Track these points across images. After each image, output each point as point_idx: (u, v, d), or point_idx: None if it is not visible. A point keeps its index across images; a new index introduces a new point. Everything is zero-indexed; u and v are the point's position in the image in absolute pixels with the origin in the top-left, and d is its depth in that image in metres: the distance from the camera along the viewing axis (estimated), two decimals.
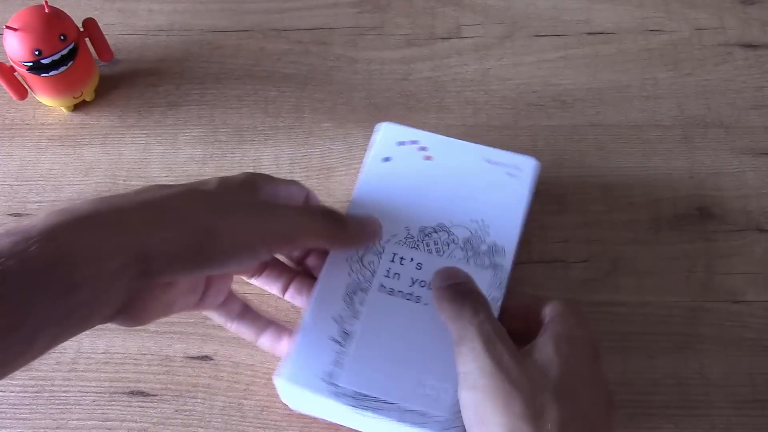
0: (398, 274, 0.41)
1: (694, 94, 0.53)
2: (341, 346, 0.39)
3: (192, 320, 0.46)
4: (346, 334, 0.39)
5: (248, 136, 0.53)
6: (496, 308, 0.40)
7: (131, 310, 0.33)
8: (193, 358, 0.45)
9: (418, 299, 0.40)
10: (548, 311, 0.38)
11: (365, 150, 0.48)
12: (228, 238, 0.34)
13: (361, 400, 0.37)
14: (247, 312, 0.42)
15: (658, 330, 0.45)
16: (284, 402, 0.42)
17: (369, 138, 0.50)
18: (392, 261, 0.42)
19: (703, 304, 0.46)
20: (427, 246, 0.42)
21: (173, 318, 0.46)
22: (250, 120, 0.54)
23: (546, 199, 0.46)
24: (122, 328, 0.45)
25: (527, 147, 0.51)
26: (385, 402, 0.37)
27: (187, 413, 0.43)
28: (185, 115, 0.54)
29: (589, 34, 0.56)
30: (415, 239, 0.42)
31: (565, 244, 0.48)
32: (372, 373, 0.38)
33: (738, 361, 0.44)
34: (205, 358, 0.45)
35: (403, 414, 0.37)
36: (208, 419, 0.43)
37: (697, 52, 0.55)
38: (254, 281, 0.43)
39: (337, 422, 0.40)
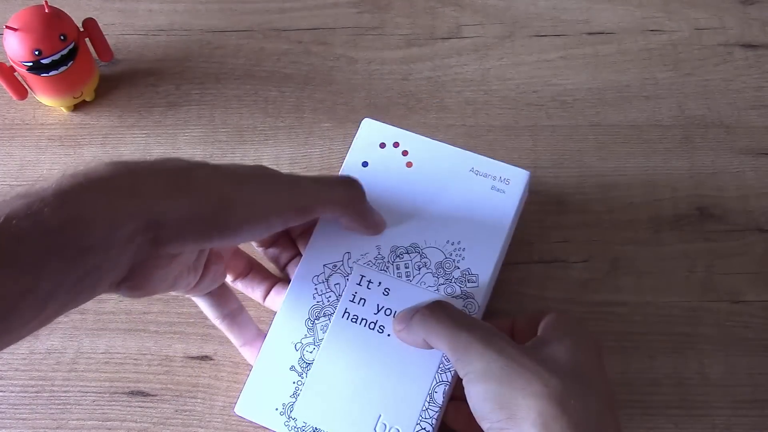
0: (364, 300, 0.40)
1: (694, 94, 0.53)
2: (299, 376, 0.39)
3: (192, 320, 0.46)
4: (306, 363, 0.39)
5: (248, 136, 0.53)
6: None
7: (136, 277, 0.32)
8: (193, 358, 0.45)
9: (381, 329, 0.39)
10: (543, 320, 0.38)
11: None
12: (243, 207, 0.34)
13: None
14: (239, 314, 0.42)
15: (658, 330, 0.45)
16: None
17: None
18: (359, 284, 0.40)
19: (703, 304, 0.46)
20: (397, 269, 0.40)
21: (173, 318, 0.46)
22: (250, 120, 0.54)
23: (546, 199, 0.46)
24: (122, 328, 0.46)
25: (527, 147, 0.51)
26: None
27: (187, 413, 0.43)
28: (185, 115, 0.54)
29: (589, 34, 0.56)
30: (386, 260, 0.41)
31: (565, 244, 0.48)
32: (327, 406, 0.38)
33: (738, 361, 0.44)
34: (205, 358, 0.45)
35: None
36: (208, 419, 0.43)
37: (697, 52, 0.55)
38: (238, 284, 0.43)
39: None
